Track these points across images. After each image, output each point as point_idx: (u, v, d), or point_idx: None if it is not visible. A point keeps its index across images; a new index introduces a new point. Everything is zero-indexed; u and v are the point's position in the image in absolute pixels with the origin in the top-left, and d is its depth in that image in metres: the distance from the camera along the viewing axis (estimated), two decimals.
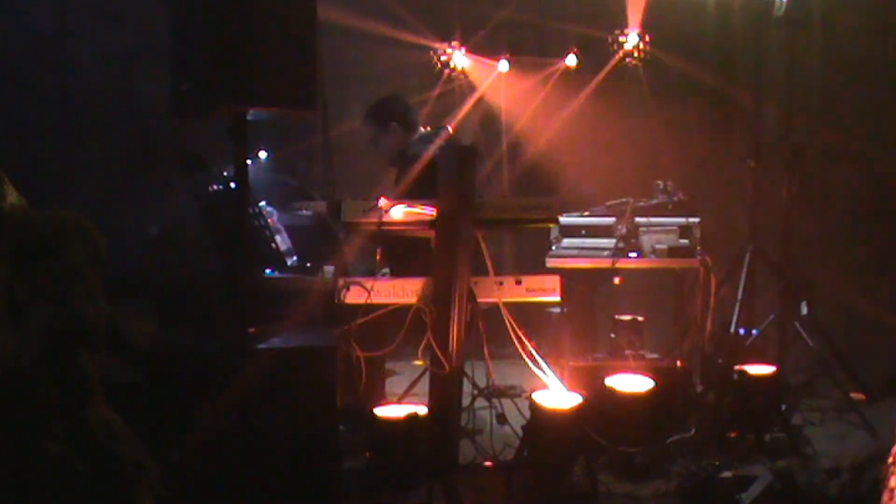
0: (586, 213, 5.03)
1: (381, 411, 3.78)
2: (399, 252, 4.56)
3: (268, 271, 4.66)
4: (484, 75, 7.32)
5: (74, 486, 2.56)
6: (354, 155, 7.84)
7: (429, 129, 5.21)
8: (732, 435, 4.46)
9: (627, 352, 4.76)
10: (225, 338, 3.66)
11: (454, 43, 7.20)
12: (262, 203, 4.99)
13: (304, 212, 5.28)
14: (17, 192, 3.60)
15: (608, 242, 4.79)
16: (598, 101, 7.45)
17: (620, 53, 6.82)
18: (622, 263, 4.76)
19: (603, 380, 4.42)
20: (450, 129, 5.10)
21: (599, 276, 5.18)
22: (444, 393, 4.00)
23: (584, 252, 4.84)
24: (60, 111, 7.36)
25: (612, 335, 4.96)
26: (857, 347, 5.80)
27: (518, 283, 4.34)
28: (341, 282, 4.16)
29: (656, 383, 4.39)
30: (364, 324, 4.04)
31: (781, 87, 5.55)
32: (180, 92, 3.56)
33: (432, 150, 4.75)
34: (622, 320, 5.01)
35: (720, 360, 4.66)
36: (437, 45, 7.24)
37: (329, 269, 4.73)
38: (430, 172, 4.60)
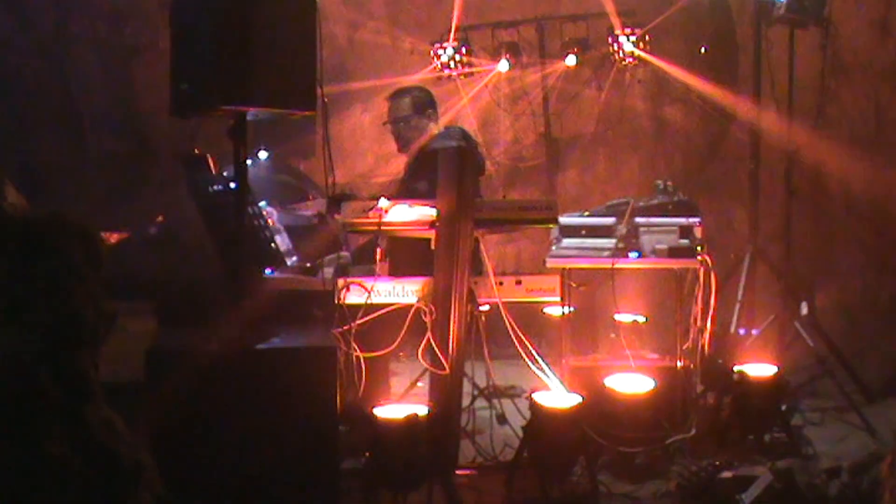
0: (586, 213, 5.02)
1: (381, 411, 3.78)
2: (399, 252, 4.56)
3: (268, 271, 4.65)
4: (484, 75, 7.32)
5: (74, 486, 2.56)
6: (358, 154, 7.88)
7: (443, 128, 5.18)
8: (732, 435, 4.45)
9: (627, 352, 4.76)
10: (225, 338, 3.66)
11: (454, 43, 7.20)
12: (262, 203, 4.98)
13: (304, 212, 5.27)
14: (17, 192, 3.61)
15: (608, 242, 4.78)
16: (597, 101, 7.46)
17: (620, 54, 6.83)
18: (622, 263, 4.75)
19: (603, 380, 4.42)
20: (465, 128, 5.09)
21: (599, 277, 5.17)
22: (444, 393, 4.00)
23: (584, 252, 4.82)
24: (60, 111, 7.38)
25: (612, 335, 4.96)
26: (857, 347, 5.80)
27: (518, 283, 4.34)
28: (341, 282, 4.15)
29: (656, 383, 4.39)
30: (364, 324, 4.04)
31: (781, 87, 5.54)
32: (180, 92, 3.56)
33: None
34: (622, 320, 5.01)
35: (720, 360, 4.66)
36: (437, 45, 7.23)
37: (329, 269, 4.72)
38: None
